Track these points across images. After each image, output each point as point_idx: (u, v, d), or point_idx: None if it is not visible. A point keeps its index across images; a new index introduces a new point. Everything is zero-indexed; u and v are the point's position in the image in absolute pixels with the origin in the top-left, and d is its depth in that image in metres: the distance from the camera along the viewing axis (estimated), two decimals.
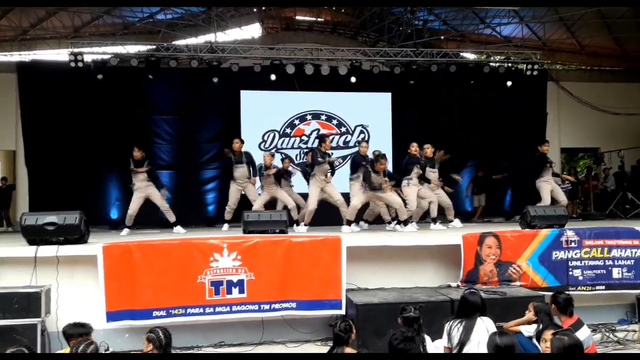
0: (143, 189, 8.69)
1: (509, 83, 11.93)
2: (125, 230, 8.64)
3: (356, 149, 12.16)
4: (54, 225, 6.12)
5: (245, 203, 9.10)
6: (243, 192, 9.25)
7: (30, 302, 5.50)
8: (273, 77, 11.26)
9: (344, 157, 12.27)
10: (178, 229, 8.84)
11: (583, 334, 4.70)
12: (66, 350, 4.49)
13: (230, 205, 9.22)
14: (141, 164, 8.71)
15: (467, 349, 4.28)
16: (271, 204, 9.18)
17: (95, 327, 5.11)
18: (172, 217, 8.90)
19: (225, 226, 9.30)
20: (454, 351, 4.35)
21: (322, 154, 8.54)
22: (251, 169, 9.22)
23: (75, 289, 6.04)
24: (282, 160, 9.64)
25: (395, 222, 8.67)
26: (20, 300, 5.49)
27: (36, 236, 6.15)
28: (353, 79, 11.52)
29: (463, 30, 13.70)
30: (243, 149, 9.30)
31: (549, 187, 9.12)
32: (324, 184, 8.49)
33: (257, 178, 9.24)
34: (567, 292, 5.52)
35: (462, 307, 4.63)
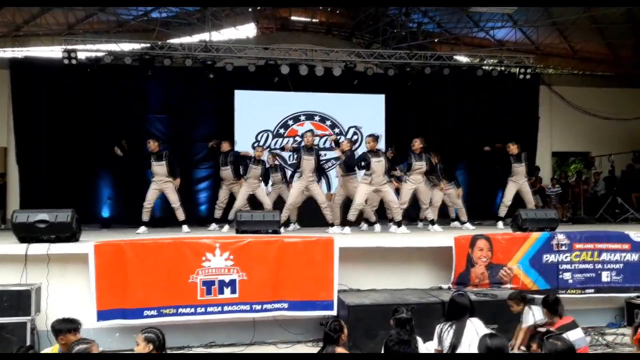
0: (160, 183, 8.66)
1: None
2: (142, 228, 8.52)
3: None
4: (45, 223, 6.09)
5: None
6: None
7: (20, 300, 5.49)
8: (276, 79, 11.27)
9: (337, 159, 12.25)
10: (184, 227, 8.81)
11: (575, 334, 4.73)
12: (55, 347, 4.46)
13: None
14: (160, 156, 8.61)
15: (458, 352, 4.30)
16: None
17: (86, 326, 5.09)
18: (181, 216, 8.85)
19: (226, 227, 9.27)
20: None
21: (307, 149, 8.51)
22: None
23: (65, 287, 6.03)
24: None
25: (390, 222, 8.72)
26: (10, 298, 5.48)
27: (27, 234, 6.11)
28: (355, 82, 11.67)
29: (457, 33, 13.74)
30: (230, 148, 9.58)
31: (513, 187, 9.37)
32: (307, 182, 8.47)
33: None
34: (556, 295, 5.59)
35: (451, 309, 4.66)
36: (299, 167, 8.51)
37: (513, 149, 9.38)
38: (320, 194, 8.48)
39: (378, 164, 8.18)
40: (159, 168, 8.65)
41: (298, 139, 11.32)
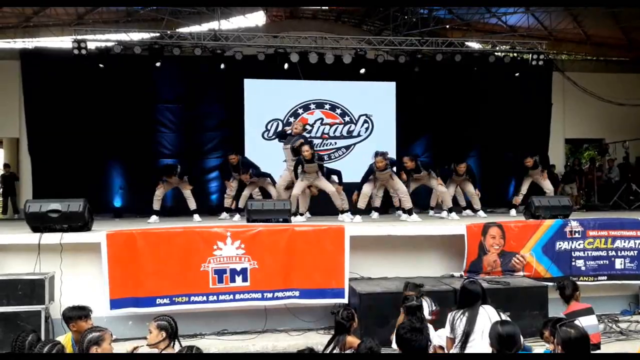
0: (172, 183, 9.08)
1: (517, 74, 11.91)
2: (154, 217, 8.71)
3: (360, 138, 12.26)
4: (57, 212, 6.13)
5: None
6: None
7: (34, 289, 5.54)
8: (286, 66, 11.19)
9: (347, 147, 12.25)
10: (196, 216, 9.00)
11: (587, 321, 4.70)
12: (68, 335, 4.50)
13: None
14: (179, 176, 8.98)
15: (471, 339, 4.28)
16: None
17: (99, 314, 5.14)
18: (192, 205, 9.09)
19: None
20: (459, 342, 4.34)
21: (307, 160, 8.32)
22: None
23: (78, 276, 6.07)
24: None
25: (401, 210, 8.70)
26: (24, 287, 5.53)
27: (40, 223, 6.16)
28: (362, 70, 11.57)
29: (469, 19, 13.58)
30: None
31: (528, 179, 9.53)
32: (312, 180, 8.41)
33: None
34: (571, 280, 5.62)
35: (463, 296, 4.63)
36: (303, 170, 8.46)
37: (529, 162, 9.40)
38: (328, 185, 8.46)
39: (382, 175, 8.39)
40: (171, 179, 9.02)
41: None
